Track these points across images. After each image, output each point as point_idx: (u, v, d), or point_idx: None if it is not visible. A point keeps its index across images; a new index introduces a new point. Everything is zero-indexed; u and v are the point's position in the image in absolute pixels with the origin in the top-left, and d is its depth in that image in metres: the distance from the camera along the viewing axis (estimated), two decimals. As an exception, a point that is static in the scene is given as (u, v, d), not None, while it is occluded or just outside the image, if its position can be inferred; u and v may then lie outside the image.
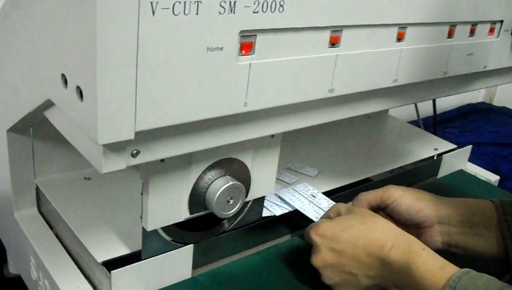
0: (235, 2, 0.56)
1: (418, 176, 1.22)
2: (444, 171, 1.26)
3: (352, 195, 0.92)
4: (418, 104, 1.53)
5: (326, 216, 0.88)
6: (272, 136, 0.80)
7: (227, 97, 0.60)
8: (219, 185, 0.75)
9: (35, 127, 0.89)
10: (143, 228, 0.75)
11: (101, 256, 0.78)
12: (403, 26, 0.77)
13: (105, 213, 0.89)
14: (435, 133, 1.43)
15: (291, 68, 0.66)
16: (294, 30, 0.64)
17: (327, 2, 0.65)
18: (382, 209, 0.88)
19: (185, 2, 0.52)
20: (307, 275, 0.83)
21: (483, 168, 1.34)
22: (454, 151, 1.29)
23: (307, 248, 0.82)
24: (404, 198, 0.87)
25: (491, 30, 0.94)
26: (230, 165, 0.77)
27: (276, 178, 0.87)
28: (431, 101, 1.51)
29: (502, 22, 0.95)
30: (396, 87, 0.83)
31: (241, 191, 0.78)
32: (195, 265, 0.83)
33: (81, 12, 0.49)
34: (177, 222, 0.77)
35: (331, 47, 0.70)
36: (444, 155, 1.25)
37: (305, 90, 0.69)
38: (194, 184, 0.75)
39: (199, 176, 0.75)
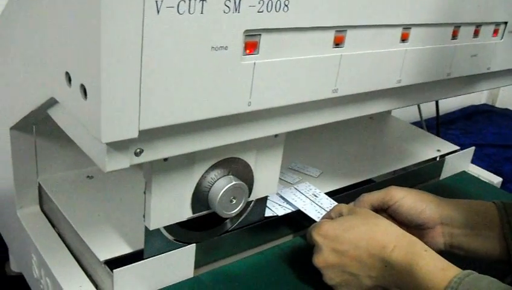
0: (239, 1, 0.56)
1: (421, 177, 1.22)
2: (447, 172, 1.26)
3: (354, 196, 0.92)
4: (421, 105, 1.53)
5: (328, 216, 0.88)
6: (275, 136, 0.79)
7: (231, 96, 0.60)
8: (222, 184, 0.75)
9: (38, 125, 0.89)
10: (145, 227, 0.75)
11: (104, 255, 0.78)
12: (407, 27, 0.77)
13: (107, 212, 0.89)
14: (437, 135, 1.42)
15: (296, 68, 0.65)
16: (298, 30, 0.64)
17: (332, 2, 0.65)
18: (384, 211, 0.88)
19: (189, 0, 0.52)
20: (309, 275, 0.82)
21: (485, 170, 1.34)
22: (457, 153, 1.29)
23: (309, 248, 0.82)
24: (406, 199, 0.87)
25: (495, 32, 0.94)
26: (234, 164, 0.77)
27: (279, 178, 0.87)
28: (434, 103, 1.51)
29: (506, 23, 0.95)
30: (400, 88, 0.82)
31: (244, 190, 0.78)
32: (198, 264, 0.83)
33: (85, 10, 0.49)
34: (179, 221, 0.77)
35: (336, 47, 0.69)
36: (446, 156, 1.25)
37: (309, 90, 0.69)
38: (197, 183, 0.75)
39: (202, 176, 0.75)
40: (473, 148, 1.32)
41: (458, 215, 0.86)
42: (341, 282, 0.78)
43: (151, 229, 0.74)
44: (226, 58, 0.58)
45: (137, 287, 0.77)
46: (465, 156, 1.31)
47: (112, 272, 0.74)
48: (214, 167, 0.75)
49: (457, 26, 0.85)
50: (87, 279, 0.81)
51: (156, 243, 0.77)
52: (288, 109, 0.70)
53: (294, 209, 0.93)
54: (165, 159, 0.68)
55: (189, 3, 0.52)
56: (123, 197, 0.93)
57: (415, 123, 1.51)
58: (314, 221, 0.90)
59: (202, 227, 0.81)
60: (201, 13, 0.53)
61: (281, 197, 0.96)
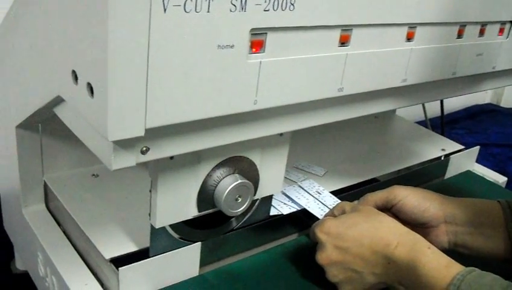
0: (246, 0, 0.56)
1: (425, 176, 1.22)
2: (452, 172, 1.26)
3: (359, 195, 0.92)
4: (426, 104, 1.53)
5: (331, 214, 0.88)
6: (281, 134, 0.79)
7: (237, 95, 0.61)
8: (228, 183, 0.75)
9: (44, 123, 0.89)
10: (151, 225, 0.75)
11: (109, 253, 0.78)
12: (412, 26, 0.77)
13: (113, 210, 0.89)
14: (442, 134, 1.42)
15: (301, 67, 0.66)
16: (304, 29, 0.64)
17: (337, 1, 0.65)
18: (388, 210, 0.88)
19: (196, -1, 0.52)
20: (313, 274, 0.82)
21: (490, 169, 1.34)
22: (461, 152, 1.28)
23: (314, 247, 0.82)
24: (409, 198, 0.87)
25: (501, 30, 0.94)
26: (239, 163, 0.77)
27: (284, 177, 0.87)
28: (438, 102, 1.51)
29: (511, 22, 0.95)
30: (405, 87, 0.82)
31: (250, 189, 0.78)
32: (203, 263, 0.83)
33: (92, 8, 0.50)
34: (185, 219, 0.77)
35: (341, 46, 0.70)
36: (451, 156, 1.25)
37: (314, 89, 0.69)
38: (203, 182, 0.75)
39: (208, 174, 0.75)
40: (478, 147, 1.32)
41: (462, 213, 0.86)
42: (344, 279, 0.78)
43: (156, 227, 0.74)
44: (232, 57, 0.58)
45: (142, 285, 0.77)
46: (470, 156, 1.31)
47: (118, 270, 0.74)
48: (219, 166, 0.75)
49: (462, 25, 0.85)
50: (93, 277, 0.81)
51: (161, 241, 0.77)
52: (294, 108, 0.70)
53: (299, 208, 0.93)
54: (171, 158, 0.68)
55: (196, 2, 0.52)
56: (128, 196, 0.93)
57: (420, 122, 1.51)
58: (317, 218, 0.90)
59: (207, 225, 0.81)
60: (208, 12, 0.53)
61: (285, 194, 0.96)
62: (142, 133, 0.55)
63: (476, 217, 0.86)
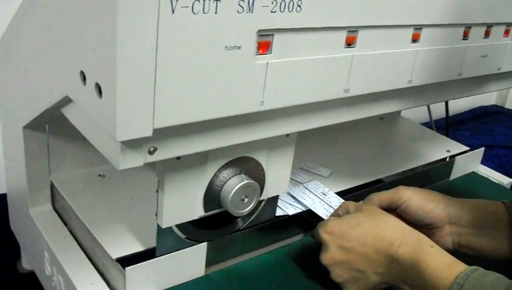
0: (253, 1, 0.56)
1: (430, 177, 1.22)
2: (457, 173, 1.26)
3: (364, 196, 0.92)
4: (431, 106, 1.53)
5: (335, 214, 0.88)
6: (287, 135, 0.80)
7: (244, 96, 0.61)
8: (234, 183, 0.76)
9: (51, 124, 0.90)
10: (158, 225, 0.75)
11: (116, 252, 0.78)
12: (418, 28, 0.77)
13: (119, 210, 0.89)
14: (447, 135, 1.42)
15: (308, 68, 0.66)
16: (311, 30, 0.64)
17: (344, 3, 0.65)
18: (393, 210, 0.89)
19: (204, 0, 0.52)
20: (318, 274, 0.83)
21: (495, 171, 1.34)
22: (466, 154, 1.28)
23: (318, 248, 0.82)
24: (414, 199, 0.87)
25: (506, 32, 0.94)
26: (245, 163, 0.78)
27: (290, 178, 0.87)
28: (443, 103, 1.51)
29: (517, 24, 0.95)
30: (411, 88, 0.83)
31: (256, 189, 0.78)
32: (209, 263, 0.83)
33: (101, 9, 0.50)
34: (191, 219, 0.77)
35: (347, 47, 0.70)
36: (456, 157, 1.25)
37: (320, 90, 0.69)
38: (209, 182, 0.75)
39: (214, 174, 0.75)
40: (483, 149, 1.32)
41: (466, 214, 0.86)
42: (348, 279, 0.78)
43: (163, 227, 0.74)
44: (239, 58, 0.58)
45: (149, 284, 0.77)
46: (475, 157, 1.31)
47: (124, 269, 0.74)
48: (226, 166, 0.76)
49: (468, 27, 0.85)
50: (99, 276, 0.81)
51: (168, 241, 0.77)
52: (300, 109, 0.71)
53: (304, 209, 0.94)
54: (178, 158, 0.69)
55: (204, 3, 0.52)
56: (134, 196, 0.94)
57: (425, 124, 1.51)
58: (322, 219, 0.90)
59: (213, 226, 0.82)
60: (216, 13, 0.53)
61: (291, 195, 0.97)
62: (149, 134, 0.55)
63: (480, 218, 0.86)
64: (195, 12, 0.52)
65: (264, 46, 0.60)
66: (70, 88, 0.62)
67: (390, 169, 1.16)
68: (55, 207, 0.98)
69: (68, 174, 0.98)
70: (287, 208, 0.93)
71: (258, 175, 0.80)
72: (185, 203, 0.74)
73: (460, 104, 2.49)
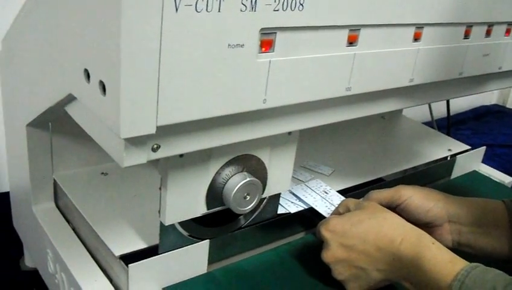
0: (256, 0, 0.56)
1: (432, 176, 1.22)
2: (458, 172, 1.27)
3: (365, 194, 0.93)
4: (432, 105, 1.53)
5: (336, 212, 0.89)
6: (289, 133, 0.80)
7: (247, 94, 0.61)
8: (236, 181, 0.76)
9: (54, 122, 0.90)
10: (161, 223, 0.76)
11: (119, 250, 0.79)
12: (419, 26, 0.78)
13: (122, 208, 0.90)
14: (448, 134, 1.43)
15: (310, 66, 0.66)
16: (313, 28, 0.64)
17: (346, 2, 0.66)
18: (393, 209, 0.89)
19: (207, -1, 0.53)
20: (320, 272, 0.83)
21: (496, 169, 1.34)
22: (467, 152, 1.29)
23: (320, 245, 0.82)
24: (414, 198, 0.88)
25: (508, 31, 0.94)
26: (248, 161, 0.78)
27: (292, 176, 0.88)
28: (444, 103, 1.51)
29: (518, 23, 0.95)
30: (412, 87, 0.83)
31: (258, 187, 0.79)
32: (211, 260, 0.83)
33: (105, 7, 0.50)
34: (194, 216, 0.78)
35: (349, 46, 0.70)
36: (457, 156, 1.25)
37: (322, 88, 0.69)
38: (212, 180, 0.75)
39: (217, 172, 0.75)
40: (484, 147, 1.32)
41: (466, 213, 0.87)
42: (350, 276, 0.79)
43: (166, 224, 0.75)
44: (242, 56, 0.58)
45: (151, 281, 0.77)
46: (476, 156, 1.31)
47: (127, 266, 0.74)
48: (228, 164, 0.76)
49: (469, 26, 0.86)
50: (102, 274, 0.82)
51: (170, 238, 0.78)
52: (302, 107, 0.71)
53: (306, 207, 0.94)
54: (181, 155, 0.69)
55: (207, 2, 0.53)
56: (137, 194, 0.94)
57: (426, 123, 1.51)
58: (324, 217, 0.91)
59: (216, 223, 0.82)
60: (219, 11, 0.54)
61: (292, 193, 0.97)
62: (153, 131, 0.55)
63: (480, 216, 0.86)
64: (198, 11, 0.52)
65: (266, 44, 0.61)
66: (74, 86, 0.62)
67: (392, 168, 1.16)
68: (58, 205, 0.98)
69: (71, 172, 0.98)
70: (288, 206, 0.93)
71: (260, 173, 0.80)
72: (187, 200, 0.75)
73: (461, 104, 2.49)
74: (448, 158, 1.27)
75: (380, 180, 1.13)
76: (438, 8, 0.77)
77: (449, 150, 1.30)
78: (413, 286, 0.73)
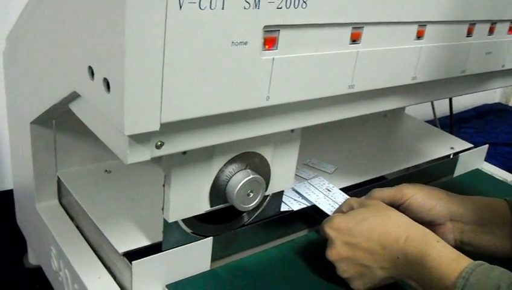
0: (259, -3, 0.57)
1: (434, 174, 1.22)
2: (460, 170, 1.27)
3: (368, 192, 0.93)
4: (435, 103, 1.54)
5: (339, 211, 0.89)
6: (292, 131, 0.80)
7: (250, 91, 0.61)
8: (240, 178, 0.76)
9: (58, 120, 0.90)
10: (164, 220, 0.76)
11: (122, 247, 0.79)
12: (422, 24, 0.78)
13: (125, 205, 0.90)
14: (451, 133, 1.43)
15: (313, 64, 0.66)
16: (316, 26, 0.65)
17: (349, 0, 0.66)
18: (396, 208, 0.89)
19: (211, -4, 0.53)
20: (323, 269, 0.83)
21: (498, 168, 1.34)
22: (470, 151, 1.29)
23: (323, 243, 0.82)
24: (416, 197, 0.88)
25: (510, 29, 0.94)
26: (251, 159, 0.78)
27: (295, 174, 0.88)
28: (447, 101, 1.51)
29: (521, 21, 0.95)
30: (415, 85, 0.83)
31: (261, 184, 0.79)
32: (214, 258, 0.84)
33: (110, 5, 0.51)
34: (197, 214, 0.78)
35: (352, 43, 0.70)
36: (460, 154, 1.25)
37: (325, 86, 0.70)
38: (215, 177, 0.76)
39: (220, 169, 0.76)
40: (487, 145, 1.32)
41: (468, 211, 0.87)
42: (354, 274, 0.79)
43: (170, 221, 0.75)
44: (245, 54, 0.59)
45: (155, 278, 0.78)
46: (479, 154, 1.31)
47: (131, 263, 0.75)
48: (231, 161, 0.76)
49: (472, 24, 0.86)
50: (106, 271, 0.82)
51: (174, 235, 0.78)
52: (305, 104, 0.71)
53: (309, 205, 0.94)
54: (184, 153, 0.69)
55: (211, -1, 0.53)
56: (140, 191, 0.94)
57: (429, 122, 1.51)
58: (327, 215, 0.91)
59: (219, 221, 0.82)
60: (222, 9, 0.54)
61: (295, 191, 0.97)
62: (157, 128, 0.56)
63: (482, 215, 0.86)
64: (202, 8, 0.53)
65: (270, 42, 0.61)
66: (78, 83, 0.62)
67: (394, 166, 1.16)
68: (62, 202, 0.99)
69: (75, 169, 0.99)
70: (291, 203, 0.94)
71: (263, 170, 0.81)
72: (191, 197, 0.75)
73: (464, 102, 2.49)
74: (451, 156, 1.27)
75: (382, 178, 1.13)
76: (441, 6, 0.78)
77: (452, 148, 1.30)
78: (418, 284, 0.73)
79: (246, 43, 0.58)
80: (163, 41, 0.51)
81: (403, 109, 1.49)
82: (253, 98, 0.62)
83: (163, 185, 0.74)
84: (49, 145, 0.93)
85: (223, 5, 0.54)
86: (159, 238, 0.79)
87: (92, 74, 0.57)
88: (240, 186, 0.76)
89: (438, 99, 0.98)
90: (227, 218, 0.83)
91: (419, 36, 0.78)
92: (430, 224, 0.87)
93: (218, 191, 0.77)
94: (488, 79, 1.01)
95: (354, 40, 0.70)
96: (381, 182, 1.10)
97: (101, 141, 0.64)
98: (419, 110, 1.44)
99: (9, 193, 1.20)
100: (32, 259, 1.17)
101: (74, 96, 0.67)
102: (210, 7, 0.53)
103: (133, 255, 0.78)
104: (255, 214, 0.87)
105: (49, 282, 1.01)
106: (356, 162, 1.16)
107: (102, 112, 0.58)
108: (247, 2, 0.56)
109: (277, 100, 0.65)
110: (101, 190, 0.94)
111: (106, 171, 1.00)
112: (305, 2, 0.61)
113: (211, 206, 0.78)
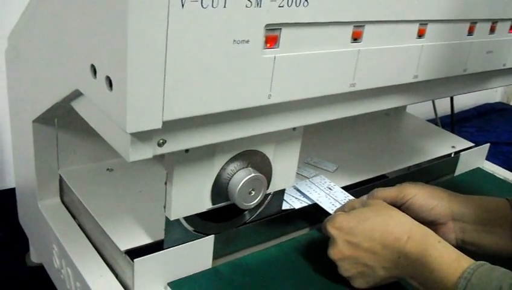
0: (261, -5, 0.57)
1: (435, 173, 1.22)
2: (462, 169, 1.27)
3: (369, 191, 0.93)
4: (436, 103, 1.54)
5: (341, 210, 0.89)
6: (294, 129, 0.81)
7: (252, 89, 0.62)
8: (241, 176, 0.76)
9: (60, 118, 0.91)
10: (166, 218, 0.76)
11: (124, 245, 0.79)
12: (424, 23, 0.78)
13: (127, 203, 0.90)
14: (452, 132, 1.43)
15: (315, 62, 0.66)
16: (317, 25, 0.65)
17: (350, -2, 0.66)
18: (397, 208, 0.89)
19: (213, -5, 0.53)
20: (325, 268, 0.83)
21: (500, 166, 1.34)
22: (471, 149, 1.29)
23: (325, 241, 0.83)
24: (417, 197, 0.88)
25: (511, 28, 0.94)
26: (253, 157, 0.79)
27: (296, 172, 0.88)
28: (448, 100, 1.51)
29: (522, 20, 0.95)
30: (416, 83, 0.83)
31: (263, 182, 0.79)
32: (216, 256, 0.84)
33: (112, 3, 0.51)
34: (199, 212, 0.78)
35: (354, 42, 0.70)
36: (461, 153, 1.26)
37: (327, 84, 0.70)
38: (217, 175, 0.76)
39: (222, 167, 0.76)
40: (488, 144, 1.32)
41: (470, 211, 0.87)
42: (356, 273, 0.79)
43: (171, 219, 0.75)
44: (247, 52, 0.59)
45: (157, 276, 0.78)
46: (480, 153, 1.31)
47: (133, 261, 0.75)
48: (233, 159, 0.76)
49: (473, 23, 0.86)
50: (108, 269, 0.82)
51: (175, 233, 0.78)
52: (307, 103, 0.71)
53: (310, 203, 0.95)
54: (186, 151, 0.69)
55: (213, -2, 0.53)
56: (142, 189, 0.95)
57: (430, 121, 1.51)
58: (328, 213, 0.91)
59: (221, 219, 0.82)
60: (224, 7, 0.54)
61: (297, 189, 0.98)
62: (159, 126, 0.56)
63: (483, 214, 0.86)
64: (204, 7, 0.53)
65: (271, 40, 0.61)
66: (80, 81, 0.62)
67: (396, 164, 1.17)
68: (64, 200, 0.99)
69: (77, 168, 0.99)
70: (293, 201, 0.94)
71: (265, 168, 0.81)
72: (193, 195, 0.75)
73: (465, 102, 2.49)
74: (452, 155, 1.28)
75: (383, 177, 1.13)
76: (442, 4, 0.78)
77: (453, 147, 1.30)
78: (419, 284, 0.73)
79: (247, 42, 0.58)
80: (165, 40, 0.52)
81: (404, 107, 1.49)
82: (255, 96, 0.63)
83: (165, 183, 0.74)
84: (51, 144, 0.94)
85: (225, 4, 0.54)
86: (161, 236, 0.79)
87: (94, 72, 0.57)
88: (242, 185, 0.76)
89: (439, 98, 0.98)
90: (229, 216, 0.83)
91: (421, 35, 0.78)
92: (432, 224, 0.87)
93: (220, 189, 0.77)
94: (489, 78, 1.01)
95: (356, 38, 0.70)
96: (383, 180, 1.10)
97: (103, 139, 0.64)
98: (421, 109, 1.44)
99: (11, 192, 1.20)
100: (34, 257, 1.17)
101: (76, 94, 0.67)
102: (212, 5, 0.53)
103: (135, 253, 0.78)
104: (257, 212, 0.87)
105: (51, 280, 1.01)
106: (357, 161, 1.16)
107: (104, 110, 0.58)
108: (249, 1, 0.56)
109: (279, 98, 0.65)
110: (103, 188, 0.94)
111: (108, 169, 1.00)
112: (306, 0, 0.61)
113: (213, 204, 0.78)
